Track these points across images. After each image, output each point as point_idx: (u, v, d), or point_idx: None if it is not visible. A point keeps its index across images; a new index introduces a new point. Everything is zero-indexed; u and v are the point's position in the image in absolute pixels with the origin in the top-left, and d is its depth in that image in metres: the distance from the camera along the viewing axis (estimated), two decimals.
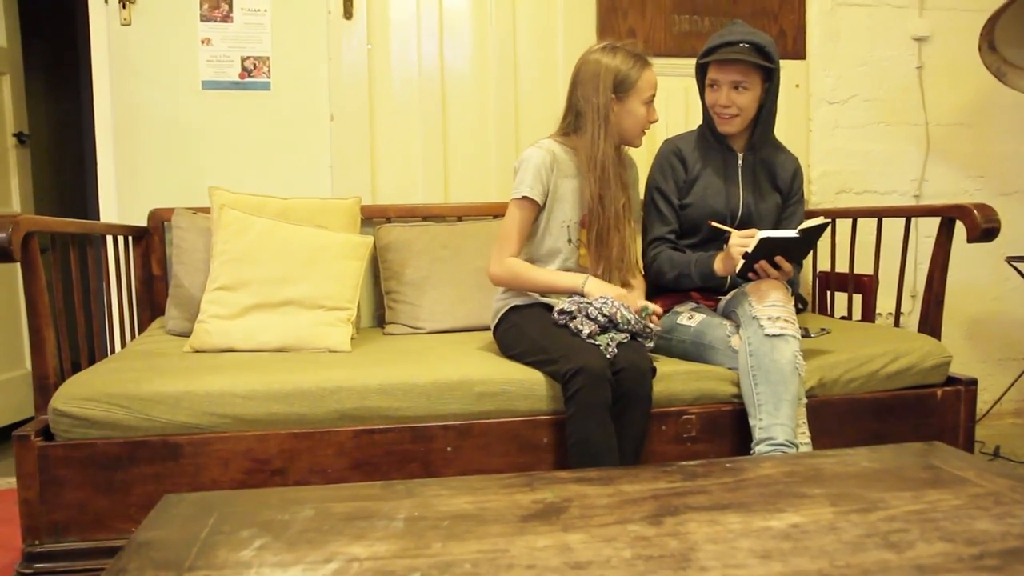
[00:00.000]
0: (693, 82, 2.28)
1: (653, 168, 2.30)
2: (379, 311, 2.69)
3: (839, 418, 2.05)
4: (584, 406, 1.77)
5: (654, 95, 2.12)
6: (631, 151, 2.25)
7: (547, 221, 2.14)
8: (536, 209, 2.12)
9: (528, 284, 2.11)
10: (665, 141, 2.33)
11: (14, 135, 3.25)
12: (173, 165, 2.71)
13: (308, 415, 1.82)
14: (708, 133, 2.27)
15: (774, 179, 2.29)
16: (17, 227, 1.72)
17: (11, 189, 3.24)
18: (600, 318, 1.90)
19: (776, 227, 2.22)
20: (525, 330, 2.03)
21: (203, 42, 2.72)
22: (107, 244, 2.52)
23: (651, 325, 1.96)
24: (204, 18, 2.73)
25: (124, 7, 2.66)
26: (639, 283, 2.22)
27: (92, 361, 2.12)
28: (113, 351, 2.35)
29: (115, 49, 2.68)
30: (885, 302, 2.77)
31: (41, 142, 3.75)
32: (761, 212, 2.25)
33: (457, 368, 1.94)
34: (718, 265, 2.07)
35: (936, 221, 2.29)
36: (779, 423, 1.83)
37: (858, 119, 3.16)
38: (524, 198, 2.09)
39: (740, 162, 2.26)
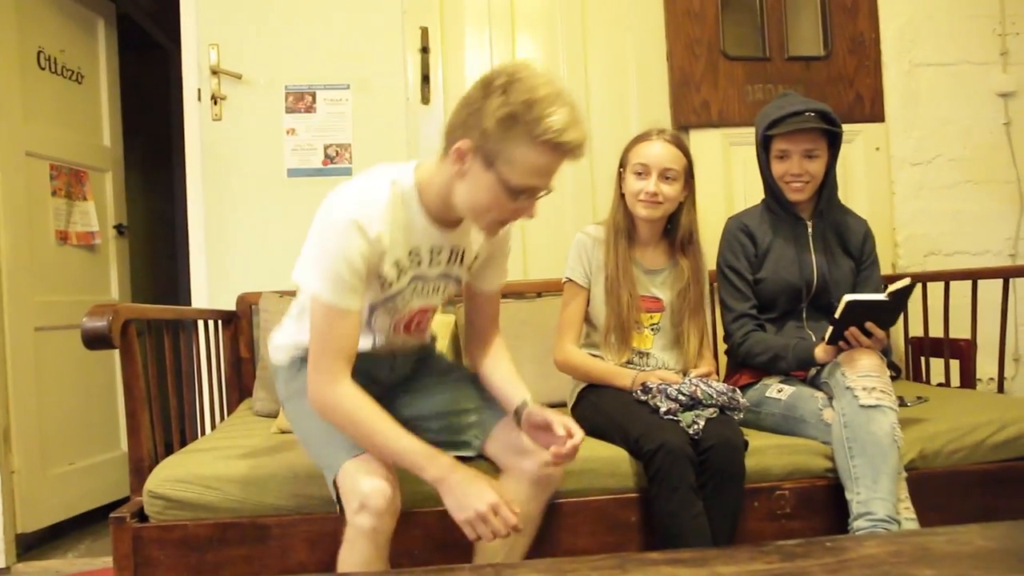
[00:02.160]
0: None
1: (722, 247, 2.28)
2: None
3: (944, 492, 1.93)
4: (666, 485, 1.73)
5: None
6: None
7: (594, 302, 2.17)
8: (583, 291, 2.18)
9: (586, 377, 2.14)
10: (730, 219, 2.31)
11: (114, 227, 3.42)
12: (260, 250, 2.81)
13: None
14: (774, 204, 2.24)
15: (845, 244, 2.25)
16: (116, 315, 1.80)
17: (110, 278, 3.41)
18: (680, 397, 1.86)
19: (853, 292, 2.16)
20: (603, 408, 2.01)
21: (288, 132, 2.85)
22: (198, 328, 2.61)
23: (738, 398, 1.91)
24: (289, 110, 2.86)
25: (215, 103, 2.81)
26: (706, 370, 2.14)
27: (184, 443, 2.17)
28: (203, 432, 2.41)
29: (207, 143, 2.82)
30: (985, 367, 2.63)
31: (138, 233, 3.95)
32: (836, 278, 2.20)
33: None
34: (819, 352, 2.01)
35: None
36: (879, 497, 1.74)
37: (944, 179, 3.08)
38: (568, 280, 2.20)
39: (810, 230, 2.22)
